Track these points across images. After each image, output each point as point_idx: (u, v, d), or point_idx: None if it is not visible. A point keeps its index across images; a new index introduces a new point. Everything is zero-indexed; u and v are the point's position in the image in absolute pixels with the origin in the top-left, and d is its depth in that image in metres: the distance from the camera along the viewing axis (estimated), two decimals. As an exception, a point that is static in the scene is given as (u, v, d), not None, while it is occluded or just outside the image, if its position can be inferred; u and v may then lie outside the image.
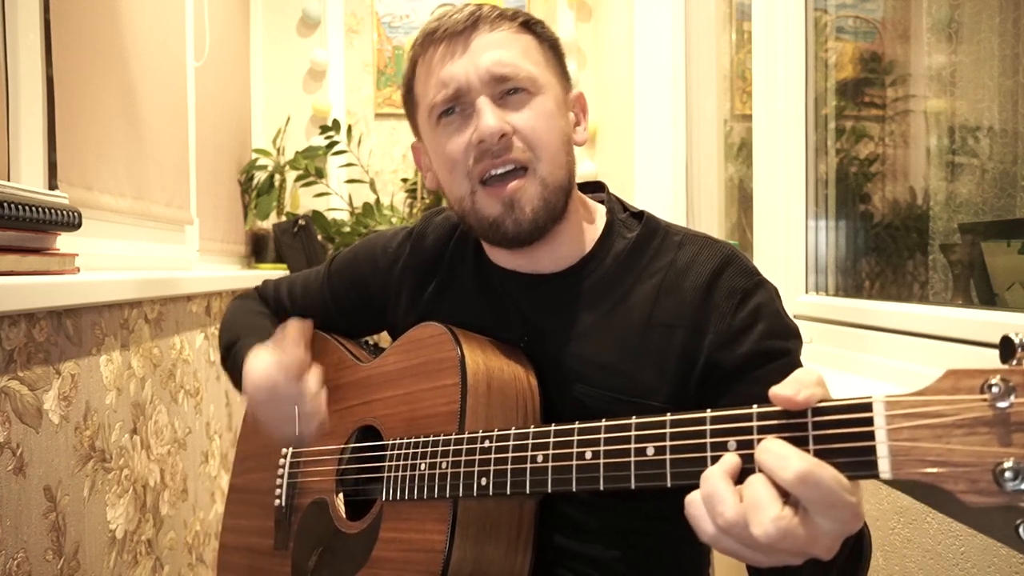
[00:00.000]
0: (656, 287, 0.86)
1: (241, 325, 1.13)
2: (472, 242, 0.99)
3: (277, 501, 1.05)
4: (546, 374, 0.89)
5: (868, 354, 1.24)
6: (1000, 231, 1.25)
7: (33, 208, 1.07)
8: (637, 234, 0.90)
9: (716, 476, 0.55)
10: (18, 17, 1.26)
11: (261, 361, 0.96)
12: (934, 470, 0.49)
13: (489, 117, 0.82)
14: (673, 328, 0.84)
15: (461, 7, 0.88)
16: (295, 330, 0.98)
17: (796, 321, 1.53)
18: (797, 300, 1.55)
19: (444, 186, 0.91)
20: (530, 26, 0.89)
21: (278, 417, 0.95)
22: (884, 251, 1.60)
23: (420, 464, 0.82)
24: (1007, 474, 0.46)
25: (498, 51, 0.85)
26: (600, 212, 0.94)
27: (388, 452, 0.88)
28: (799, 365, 0.83)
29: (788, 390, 0.54)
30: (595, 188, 0.99)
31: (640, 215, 0.93)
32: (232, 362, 1.08)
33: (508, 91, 0.84)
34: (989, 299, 1.24)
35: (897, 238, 1.57)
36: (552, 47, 0.91)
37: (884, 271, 1.60)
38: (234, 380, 1.08)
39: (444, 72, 0.85)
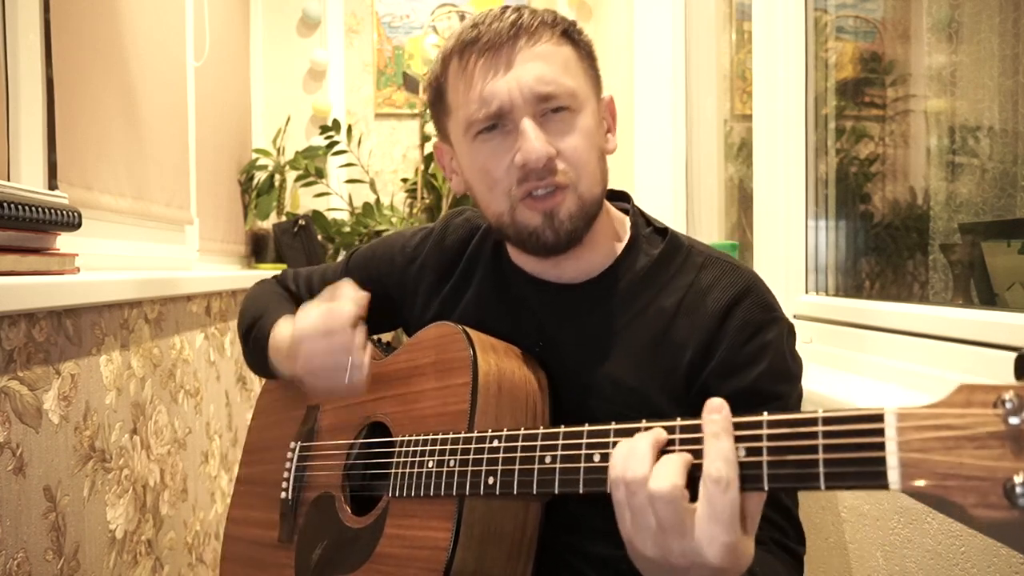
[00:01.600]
0: (675, 306, 0.86)
1: (265, 304, 1.10)
2: (491, 245, 0.99)
3: (283, 494, 1.05)
4: (558, 382, 0.89)
5: (868, 354, 1.24)
6: (1000, 231, 1.25)
7: (33, 208, 1.07)
8: (660, 251, 0.90)
9: (644, 438, 0.60)
10: (18, 17, 1.26)
11: (311, 311, 0.91)
12: (944, 483, 0.48)
13: (535, 140, 0.81)
14: (685, 348, 0.84)
15: (499, 14, 0.85)
16: (349, 288, 0.92)
17: (796, 321, 1.53)
18: (797, 300, 1.55)
19: (478, 198, 0.90)
20: (569, 35, 0.87)
21: (328, 366, 0.89)
22: (884, 251, 1.60)
23: (428, 462, 0.82)
24: (1018, 489, 0.46)
25: (541, 67, 0.82)
26: (625, 225, 0.94)
27: (396, 449, 0.88)
28: (795, 409, 0.84)
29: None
30: (619, 196, 0.99)
31: (664, 232, 0.93)
32: (256, 335, 1.05)
33: (551, 110, 0.83)
34: (989, 299, 1.24)
35: (897, 238, 1.57)
36: (589, 54, 0.89)
37: (884, 271, 1.60)
38: (256, 358, 1.05)
39: (486, 89, 0.83)
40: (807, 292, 1.58)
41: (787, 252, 1.58)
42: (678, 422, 0.62)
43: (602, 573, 0.88)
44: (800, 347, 1.44)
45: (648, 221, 0.96)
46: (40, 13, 1.30)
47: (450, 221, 1.05)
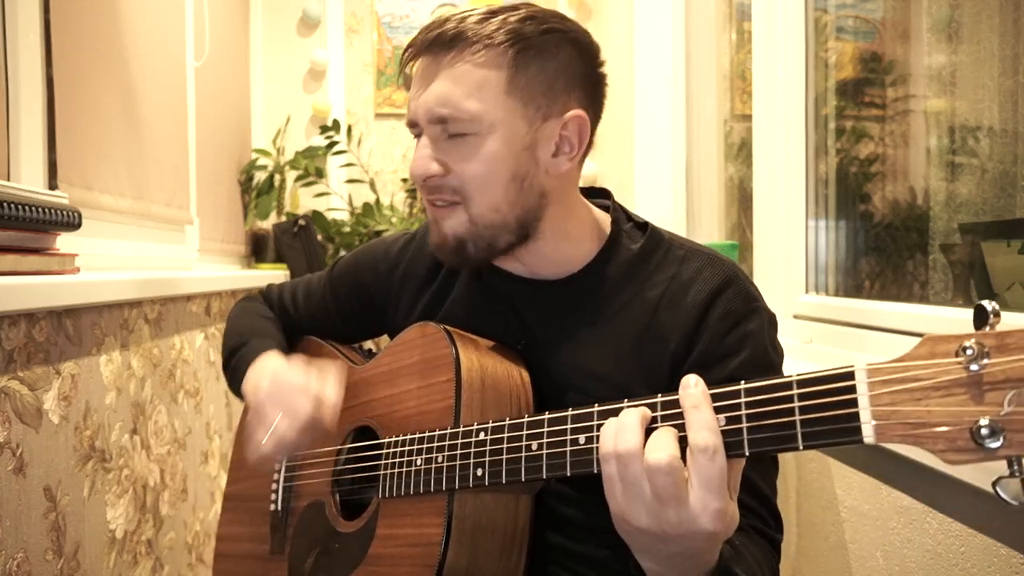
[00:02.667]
0: (656, 300, 0.86)
1: (246, 329, 1.12)
2: None
3: (273, 506, 1.05)
4: (541, 379, 0.89)
5: (868, 354, 1.24)
6: (1000, 231, 1.25)
7: (33, 208, 1.07)
8: (641, 245, 0.90)
9: (632, 412, 0.62)
10: (18, 17, 1.26)
11: (276, 363, 0.95)
12: (915, 432, 0.51)
13: (418, 158, 0.84)
14: (667, 342, 0.85)
15: (447, 17, 0.84)
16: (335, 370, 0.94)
17: (796, 321, 1.53)
18: (797, 300, 1.55)
19: None
20: (513, 49, 0.81)
21: (257, 426, 0.91)
22: (884, 251, 1.60)
23: (416, 460, 0.83)
24: (983, 431, 0.48)
25: (446, 88, 0.81)
26: (605, 221, 0.94)
27: (384, 450, 0.88)
28: None
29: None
30: (599, 194, 0.99)
31: (644, 226, 0.93)
32: (235, 365, 1.07)
33: (449, 132, 0.83)
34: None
35: (897, 238, 1.57)
36: (541, 71, 0.82)
37: (884, 271, 1.60)
38: (234, 384, 1.07)
39: (410, 100, 0.87)
40: (807, 292, 1.58)
41: (787, 252, 1.58)
42: (659, 398, 0.63)
43: (599, 573, 0.88)
44: (800, 347, 1.45)
45: (629, 216, 0.96)
46: (40, 13, 1.30)
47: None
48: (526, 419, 0.73)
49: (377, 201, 2.88)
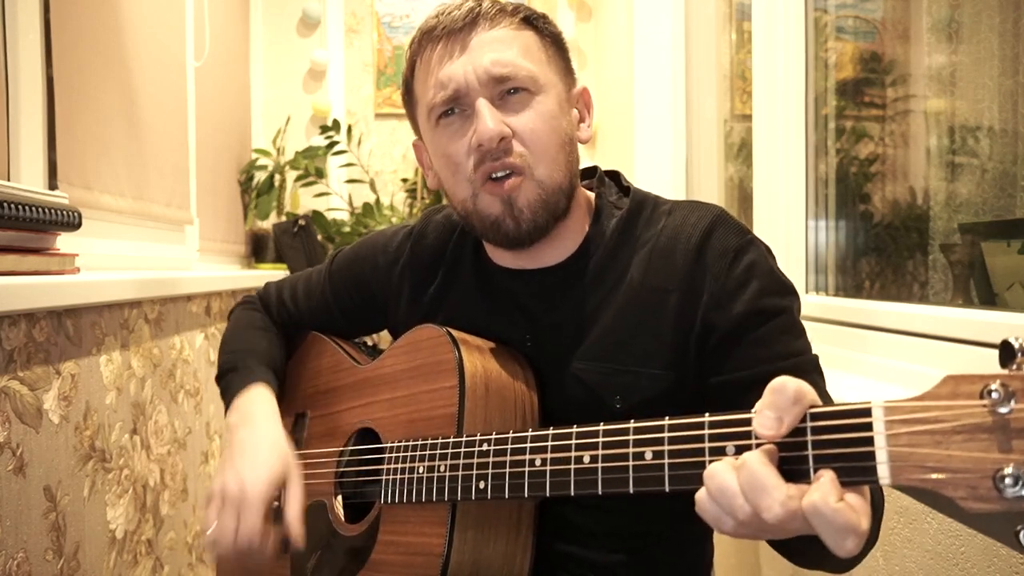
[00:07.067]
0: (648, 254, 0.86)
1: (238, 347, 1.10)
2: (471, 241, 0.98)
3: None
4: (553, 367, 0.88)
5: (868, 354, 1.24)
6: (1000, 231, 1.25)
7: (33, 208, 1.07)
8: (626, 209, 0.90)
9: (725, 471, 0.54)
10: (18, 17, 1.26)
11: (248, 464, 0.91)
12: (934, 476, 0.48)
13: (488, 120, 0.81)
14: (667, 292, 0.83)
15: (460, 3, 0.86)
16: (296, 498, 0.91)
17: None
18: (797, 300, 1.55)
19: (446, 186, 0.90)
20: (531, 21, 0.87)
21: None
22: (884, 251, 1.60)
23: (418, 467, 0.82)
24: (1007, 480, 0.46)
25: (497, 50, 0.83)
26: (591, 198, 0.94)
27: (386, 455, 0.88)
28: (797, 323, 0.83)
29: (770, 428, 0.53)
30: (587, 174, 0.98)
31: (626, 191, 0.93)
32: (223, 388, 1.07)
33: (508, 91, 0.83)
34: (989, 299, 1.24)
35: (897, 238, 1.57)
36: (555, 42, 0.89)
37: (884, 271, 1.60)
38: (225, 403, 1.07)
39: (443, 73, 0.84)
40: (807, 292, 1.57)
41: (787, 252, 1.58)
42: (666, 421, 0.61)
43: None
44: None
45: (617, 183, 0.96)
46: (40, 13, 1.30)
47: (429, 219, 1.04)
48: (529, 433, 0.72)
49: (377, 201, 2.88)
